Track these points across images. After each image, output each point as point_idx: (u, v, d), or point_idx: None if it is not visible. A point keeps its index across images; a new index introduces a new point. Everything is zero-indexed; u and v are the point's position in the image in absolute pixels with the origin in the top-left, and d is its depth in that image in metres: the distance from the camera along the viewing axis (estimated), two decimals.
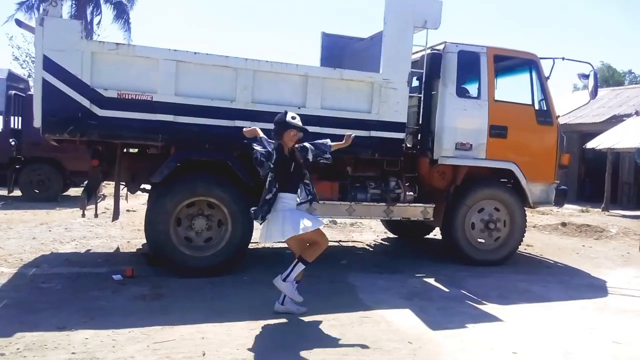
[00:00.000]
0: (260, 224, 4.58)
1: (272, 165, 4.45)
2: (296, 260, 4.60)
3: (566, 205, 9.67)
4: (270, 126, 5.61)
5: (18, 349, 3.63)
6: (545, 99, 7.20)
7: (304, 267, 4.61)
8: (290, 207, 4.54)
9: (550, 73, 7.16)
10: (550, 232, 10.60)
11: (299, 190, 4.66)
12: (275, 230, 4.47)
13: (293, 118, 4.54)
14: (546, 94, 7.19)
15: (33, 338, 3.81)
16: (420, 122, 6.88)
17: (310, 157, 4.72)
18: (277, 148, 4.50)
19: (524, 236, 7.34)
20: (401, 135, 6.38)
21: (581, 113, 18.24)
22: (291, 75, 5.92)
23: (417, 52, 6.84)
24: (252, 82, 5.73)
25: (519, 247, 7.47)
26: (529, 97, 7.14)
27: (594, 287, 6.27)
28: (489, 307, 5.21)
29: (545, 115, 7.16)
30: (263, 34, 68.89)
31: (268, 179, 4.51)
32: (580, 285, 6.35)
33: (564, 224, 11.02)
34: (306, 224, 4.43)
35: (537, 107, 7.16)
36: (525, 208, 7.29)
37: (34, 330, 3.94)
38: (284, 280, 4.57)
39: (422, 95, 6.80)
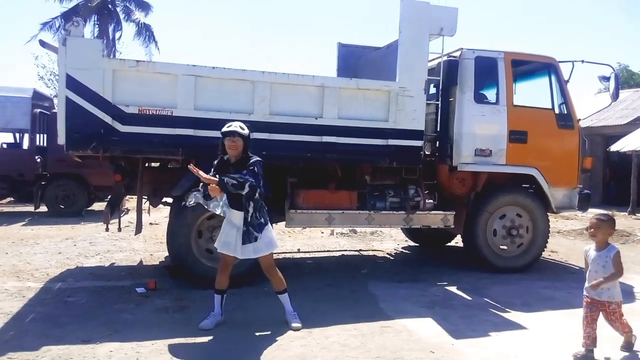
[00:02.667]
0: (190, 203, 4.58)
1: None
2: (281, 295, 4.68)
3: (591, 210, 9.46)
4: (288, 137, 5.71)
5: None
6: (566, 103, 7.11)
7: (286, 293, 4.67)
8: (236, 224, 4.44)
9: (569, 76, 7.08)
10: (574, 237, 10.40)
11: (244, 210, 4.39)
12: (228, 245, 4.48)
13: (228, 126, 4.36)
14: (566, 98, 7.10)
15: (59, 351, 3.88)
16: (439, 129, 6.86)
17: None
18: (218, 161, 4.48)
19: (547, 242, 7.23)
20: (419, 143, 6.36)
21: (604, 115, 17.94)
22: (308, 87, 5.96)
23: (433, 59, 6.83)
24: (269, 94, 5.79)
25: (543, 253, 7.35)
26: (548, 101, 7.06)
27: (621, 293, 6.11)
28: (513, 315, 5.13)
29: (566, 119, 7.07)
30: (280, 46, 69.49)
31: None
32: None
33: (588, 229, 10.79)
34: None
35: (557, 111, 7.07)
36: (548, 213, 7.18)
37: (60, 344, 4.02)
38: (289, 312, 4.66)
39: (439, 103, 6.78)
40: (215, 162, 4.52)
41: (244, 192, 4.20)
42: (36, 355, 3.81)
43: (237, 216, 4.44)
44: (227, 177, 4.15)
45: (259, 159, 4.41)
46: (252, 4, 72.66)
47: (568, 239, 10.17)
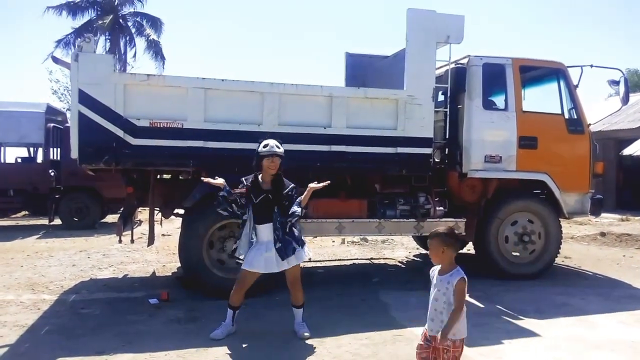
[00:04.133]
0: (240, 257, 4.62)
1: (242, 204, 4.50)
2: (296, 309, 4.71)
3: (605, 214, 9.44)
4: (297, 147, 5.74)
5: None
6: (575, 108, 7.09)
7: (301, 309, 4.71)
8: (265, 240, 4.52)
9: (578, 81, 7.05)
10: (588, 242, 10.30)
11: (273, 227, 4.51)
12: (258, 262, 4.51)
13: (265, 146, 4.49)
14: (576, 103, 7.08)
15: None
16: (448, 137, 6.85)
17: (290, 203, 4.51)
18: (253, 179, 4.55)
19: (560, 248, 7.17)
20: (428, 151, 6.37)
21: (616, 119, 17.78)
22: (316, 97, 6.01)
23: (441, 67, 6.85)
24: (278, 105, 5.85)
25: (556, 259, 7.28)
26: (558, 107, 7.03)
27: (636, 299, 6.06)
28: (526, 322, 5.09)
29: (576, 124, 7.04)
30: (288, 58, 69.87)
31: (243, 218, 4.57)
32: (621, 297, 6.15)
33: (603, 234, 10.70)
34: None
35: (567, 116, 7.05)
36: (561, 219, 7.13)
37: (75, 356, 4.06)
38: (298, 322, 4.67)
39: (447, 110, 6.79)
40: (248, 180, 4.57)
41: (293, 220, 4.48)
42: None
43: (263, 230, 4.51)
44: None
45: (293, 185, 4.59)
46: (261, 14, 73.27)
47: (582, 245, 10.07)
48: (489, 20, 76.09)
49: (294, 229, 4.53)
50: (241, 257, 4.60)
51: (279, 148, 4.50)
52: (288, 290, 4.70)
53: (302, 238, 4.63)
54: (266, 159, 4.46)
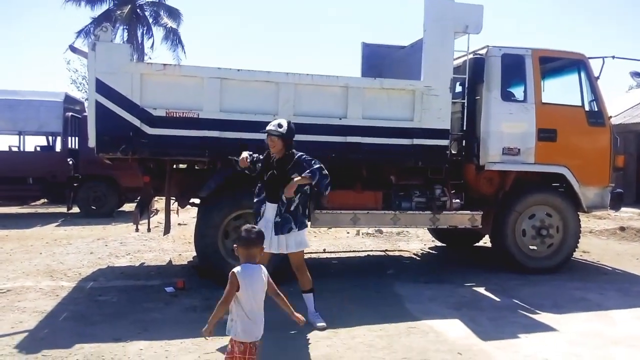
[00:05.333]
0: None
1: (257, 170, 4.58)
2: (306, 294, 4.69)
3: (625, 209, 9.26)
4: (312, 138, 5.71)
5: (77, 359, 3.81)
6: (596, 100, 6.95)
7: (311, 293, 4.70)
8: (271, 219, 4.54)
9: (600, 72, 6.90)
10: (607, 237, 10.14)
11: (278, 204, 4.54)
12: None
13: (269, 124, 4.53)
14: (597, 95, 6.94)
15: (91, 349, 3.98)
16: (465, 128, 6.77)
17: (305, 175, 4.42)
18: (265, 155, 4.60)
19: (578, 242, 7.07)
20: (445, 142, 6.30)
21: (638, 112, 17.43)
22: (332, 87, 5.97)
23: (459, 57, 6.75)
24: (294, 96, 5.82)
25: (574, 253, 7.18)
26: (578, 99, 6.91)
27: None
28: (543, 317, 5.04)
29: (596, 117, 6.91)
30: (304, 49, 69.63)
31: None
32: None
33: (622, 229, 10.51)
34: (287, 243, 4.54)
35: (587, 108, 6.92)
36: (579, 213, 7.03)
37: (92, 342, 4.12)
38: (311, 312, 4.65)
39: (465, 101, 6.70)
40: (262, 156, 4.64)
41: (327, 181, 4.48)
42: (69, 352, 3.91)
43: (270, 209, 4.54)
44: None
45: (300, 155, 4.57)
46: (278, 4, 73.05)
47: (600, 239, 9.93)
48: (505, 12, 74.95)
49: (299, 208, 4.54)
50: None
51: (280, 127, 4.46)
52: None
53: (305, 222, 4.65)
54: (267, 138, 4.51)
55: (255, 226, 3.25)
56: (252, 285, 2.95)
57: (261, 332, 3.03)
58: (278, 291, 3.13)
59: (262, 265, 3.08)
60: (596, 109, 6.95)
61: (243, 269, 2.99)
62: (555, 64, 7.17)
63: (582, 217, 7.35)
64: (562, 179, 6.87)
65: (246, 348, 2.94)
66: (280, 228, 4.50)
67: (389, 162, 6.39)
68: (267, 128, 4.50)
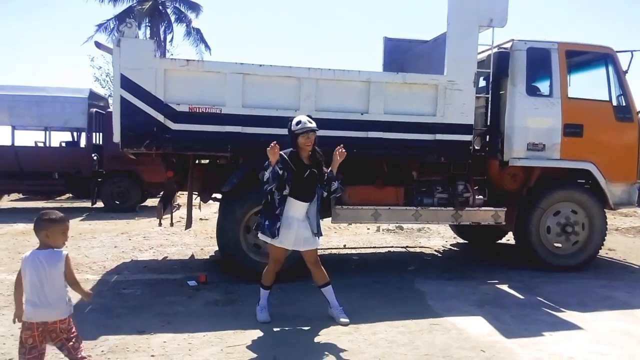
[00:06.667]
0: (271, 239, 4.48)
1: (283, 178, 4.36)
2: (324, 288, 4.66)
3: None
4: (335, 133, 5.69)
5: (102, 351, 3.87)
6: (624, 94, 6.79)
7: (329, 286, 4.67)
8: (299, 217, 4.49)
9: (628, 66, 6.74)
10: (634, 235, 9.93)
11: (315, 198, 4.54)
12: (288, 239, 4.47)
13: (298, 123, 4.40)
14: (625, 89, 6.78)
15: (116, 341, 4.04)
16: (489, 123, 6.69)
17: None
18: (290, 155, 4.43)
19: (604, 240, 6.92)
20: (468, 138, 6.22)
21: None
22: (353, 82, 5.94)
23: (483, 51, 6.66)
24: (315, 91, 5.80)
25: (600, 251, 7.04)
26: (605, 93, 6.76)
27: None
28: (568, 315, 4.95)
29: (624, 112, 6.75)
30: (325, 44, 69.54)
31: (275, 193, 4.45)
32: None
33: None
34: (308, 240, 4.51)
35: (615, 103, 6.76)
36: (606, 210, 6.89)
37: (117, 334, 4.18)
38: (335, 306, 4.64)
39: (489, 96, 6.62)
40: (286, 154, 4.43)
41: (332, 189, 4.53)
42: (94, 344, 3.97)
43: (299, 207, 4.48)
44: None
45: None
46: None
47: (627, 237, 9.72)
48: (535, 2, 73.61)
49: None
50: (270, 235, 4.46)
51: (311, 123, 4.44)
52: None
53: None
54: (302, 137, 4.42)
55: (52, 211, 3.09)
56: (36, 269, 2.91)
57: (57, 313, 3.01)
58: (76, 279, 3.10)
59: (56, 249, 2.99)
60: (624, 104, 6.78)
61: (28, 255, 2.98)
62: (581, 57, 7.02)
63: (608, 214, 7.20)
64: (588, 175, 6.74)
65: (34, 327, 2.93)
66: (318, 226, 4.53)
67: (411, 158, 6.35)
68: (305, 126, 4.37)
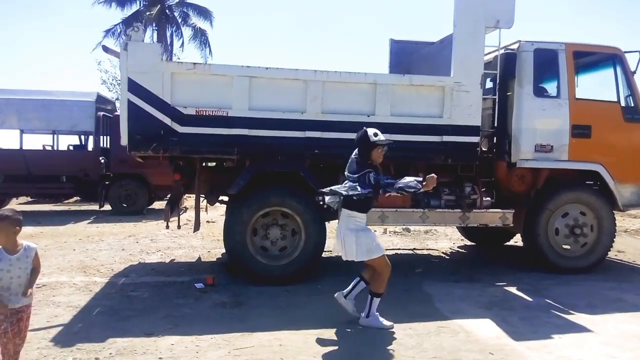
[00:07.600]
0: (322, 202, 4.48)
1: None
2: (369, 296, 4.56)
3: None
4: (340, 135, 5.68)
5: (110, 353, 3.88)
6: (633, 95, 6.74)
7: (379, 299, 4.56)
8: (361, 227, 4.49)
9: (636, 67, 6.69)
10: None
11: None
12: (348, 250, 4.45)
13: (375, 135, 4.41)
14: (633, 90, 6.73)
15: (124, 343, 4.05)
16: (496, 125, 6.66)
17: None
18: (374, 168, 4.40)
19: (613, 241, 6.87)
20: (475, 139, 6.20)
21: None
22: (360, 84, 5.94)
23: (489, 52, 6.64)
24: (322, 93, 5.81)
25: (609, 253, 6.99)
26: (614, 94, 6.71)
27: None
28: (577, 317, 4.92)
29: (632, 112, 6.70)
30: (331, 47, 69.60)
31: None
32: None
33: None
34: (371, 250, 4.44)
35: (623, 103, 6.72)
36: (615, 211, 6.84)
37: (125, 336, 4.19)
38: (367, 316, 4.53)
39: (496, 97, 6.59)
40: (357, 162, 4.48)
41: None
42: (102, 346, 3.99)
43: (361, 218, 4.51)
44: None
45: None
46: (305, 3, 73.20)
47: (636, 239, 9.64)
48: (543, 3, 73.41)
49: None
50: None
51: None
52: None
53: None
54: (380, 148, 4.42)
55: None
56: None
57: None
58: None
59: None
60: (632, 105, 6.74)
61: None
62: (589, 58, 6.98)
63: (617, 216, 7.14)
64: (596, 176, 6.69)
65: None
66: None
67: (418, 160, 6.32)
68: (380, 138, 4.39)
